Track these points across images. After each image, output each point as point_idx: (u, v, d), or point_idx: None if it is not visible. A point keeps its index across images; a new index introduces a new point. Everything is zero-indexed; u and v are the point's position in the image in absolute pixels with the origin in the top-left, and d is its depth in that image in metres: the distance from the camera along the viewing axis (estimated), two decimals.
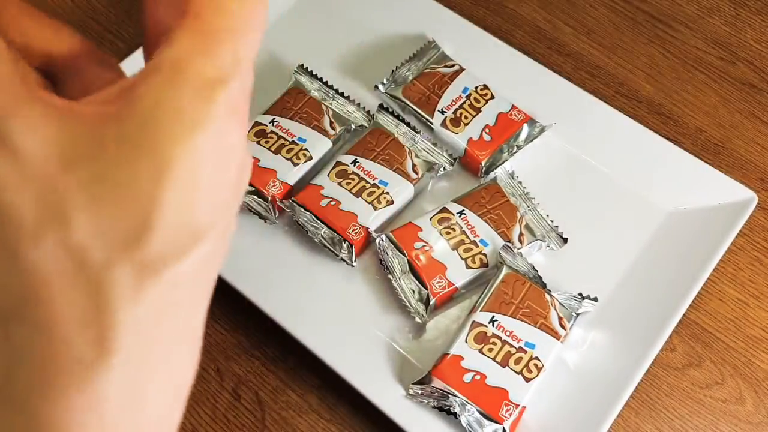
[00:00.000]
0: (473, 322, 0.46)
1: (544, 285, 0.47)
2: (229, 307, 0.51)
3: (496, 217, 0.50)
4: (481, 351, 0.45)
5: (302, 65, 0.56)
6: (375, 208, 0.50)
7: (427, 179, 0.52)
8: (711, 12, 0.65)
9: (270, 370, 0.49)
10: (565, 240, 0.50)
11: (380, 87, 0.56)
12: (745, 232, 0.54)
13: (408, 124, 0.53)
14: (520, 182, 0.52)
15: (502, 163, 0.53)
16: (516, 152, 0.53)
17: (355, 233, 0.49)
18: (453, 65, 0.56)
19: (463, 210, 0.50)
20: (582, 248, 0.51)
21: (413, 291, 0.48)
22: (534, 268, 0.48)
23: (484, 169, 0.53)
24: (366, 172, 0.51)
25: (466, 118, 0.54)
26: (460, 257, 0.49)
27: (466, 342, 0.45)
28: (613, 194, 0.53)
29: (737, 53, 0.63)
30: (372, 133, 0.53)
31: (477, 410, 0.43)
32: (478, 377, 0.44)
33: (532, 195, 0.51)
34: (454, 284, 0.48)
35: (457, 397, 0.43)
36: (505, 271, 0.47)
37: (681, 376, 0.49)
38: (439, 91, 0.55)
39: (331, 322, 0.48)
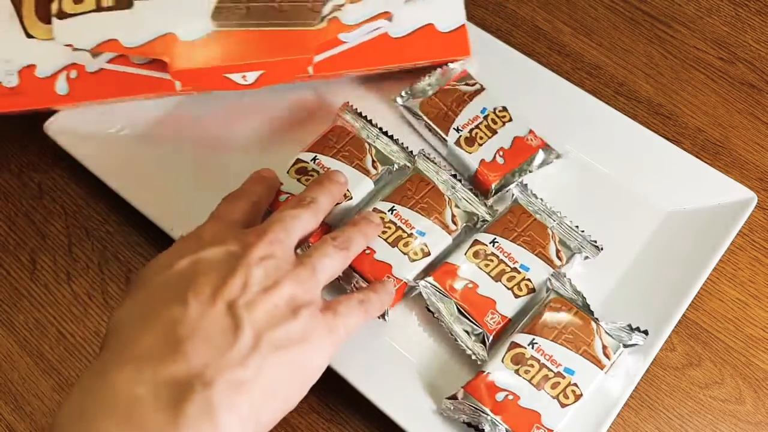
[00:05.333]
0: (512, 342, 0.44)
1: (591, 313, 0.46)
2: None
3: (529, 238, 0.48)
4: (517, 372, 0.44)
5: (349, 104, 0.54)
6: (411, 260, 0.48)
7: (465, 231, 0.50)
8: (711, 12, 0.65)
9: None
10: (599, 248, 0.49)
11: (398, 100, 0.55)
12: (744, 232, 0.54)
13: (449, 171, 0.51)
14: (536, 195, 0.50)
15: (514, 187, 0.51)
16: (526, 175, 0.52)
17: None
18: (474, 84, 0.55)
19: (495, 238, 0.48)
20: None
21: (467, 333, 0.46)
22: (583, 296, 0.47)
23: (493, 191, 0.52)
24: (403, 221, 0.49)
25: (481, 138, 0.52)
26: (506, 287, 0.47)
27: (502, 362, 0.44)
28: (612, 194, 0.53)
29: (737, 53, 0.63)
30: (411, 180, 0.51)
31: (506, 430, 0.42)
32: (510, 397, 0.43)
33: (555, 208, 0.50)
34: (507, 316, 0.46)
35: (488, 415, 0.42)
36: (551, 296, 0.46)
37: (680, 376, 0.49)
38: (457, 109, 0.54)
39: None
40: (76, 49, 0.47)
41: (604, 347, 0.44)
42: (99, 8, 0.48)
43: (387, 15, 0.53)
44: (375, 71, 0.54)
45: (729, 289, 0.52)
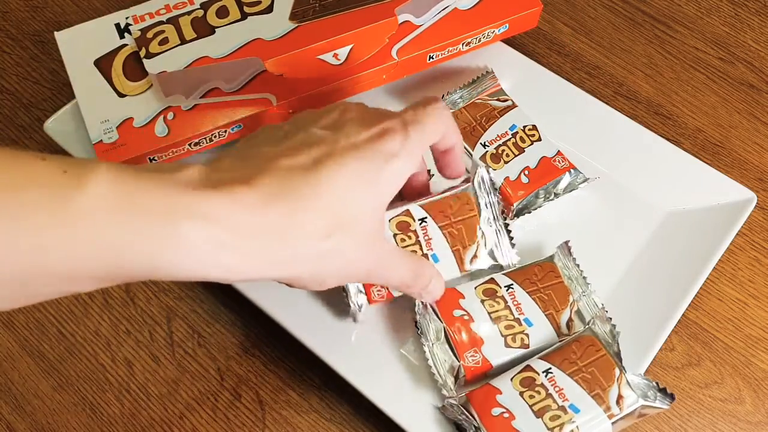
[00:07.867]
0: (527, 365, 0.44)
1: (620, 360, 0.43)
2: (230, 307, 0.51)
3: (546, 297, 0.47)
4: (521, 394, 0.43)
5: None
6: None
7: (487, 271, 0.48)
8: (710, 12, 0.65)
9: (270, 369, 0.49)
10: (614, 327, 0.46)
11: None
12: (744, 232, 0.54)
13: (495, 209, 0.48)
14: (578, 265, 0.48)
15: (537, 208, 0.50)
16: (553, 199, 0.51)
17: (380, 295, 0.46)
18: (506, 100, 0.54)
19: (512, 284, 0.47)
20: (582, 248, 0.51)
21: (445, 361, 0.45)
22: (618, 345, 0.44)
23: (515, 211, 0.51)
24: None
25: (507, 156, 0.52)
26: (500, 333, 0.45)
27: (511, 380, 0.43)
28: (612, 194, 0.53)
29: (736, 53, 0.63)
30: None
31: None
32: (506, 415, 0.42)
33: (588, 279, 0.48)
34: (489, 362, 0.45)
35: (479, 427, 0.42)
36: (586, 333, 0.45)
37: (680, 376, 0.49)
38: (486, 124, 0.53)
39: (329, 321, 0.48)
40: (169, 95, 0.49)
41: (620, 397, 0.42)
42: (183, 42, 0.51)
43: None
44: (456, 48, 0.54)
45: (729, 289, 0.52)
